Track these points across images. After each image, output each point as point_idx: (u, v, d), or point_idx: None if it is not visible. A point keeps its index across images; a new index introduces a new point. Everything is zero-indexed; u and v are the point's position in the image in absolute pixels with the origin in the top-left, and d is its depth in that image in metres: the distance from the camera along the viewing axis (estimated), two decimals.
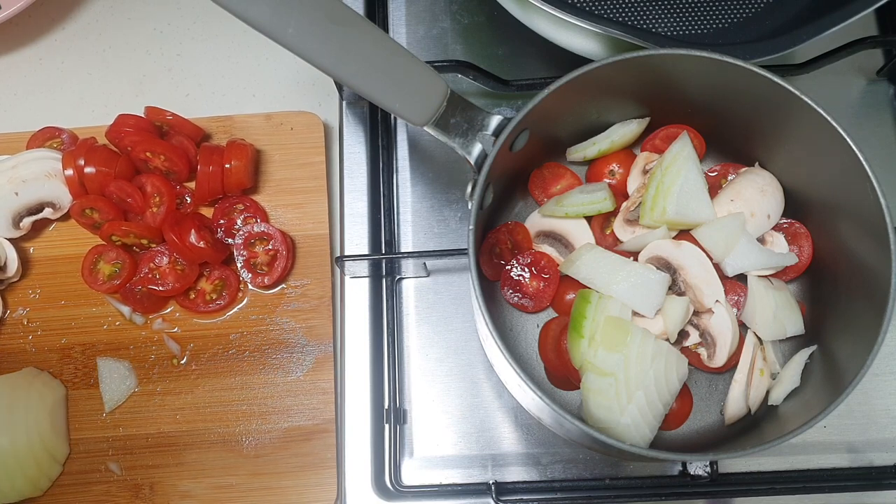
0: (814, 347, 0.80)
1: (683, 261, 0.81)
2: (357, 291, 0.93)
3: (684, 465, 0.86)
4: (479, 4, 1.04)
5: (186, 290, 0.94)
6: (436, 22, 1.04)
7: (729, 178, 0.86)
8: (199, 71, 1.06)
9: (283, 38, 0.70)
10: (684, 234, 0.83)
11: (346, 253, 0.94)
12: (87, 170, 0.93)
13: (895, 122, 0.98)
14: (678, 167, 0.80)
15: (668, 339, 0.80)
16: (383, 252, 0.94)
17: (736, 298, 0.83)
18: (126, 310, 0.94)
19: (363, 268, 0.92)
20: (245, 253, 0.94)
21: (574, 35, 0.85)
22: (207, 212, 0.98)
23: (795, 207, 0.84)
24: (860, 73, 1.00)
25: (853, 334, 0.74)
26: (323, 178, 0.99)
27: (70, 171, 0.93)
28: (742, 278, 0.83)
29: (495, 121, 0.75)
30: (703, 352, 0.82)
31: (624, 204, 0.85)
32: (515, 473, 0.88)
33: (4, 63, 1.07)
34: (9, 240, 0.95)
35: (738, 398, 0.81)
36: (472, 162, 0.75)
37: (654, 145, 0.87)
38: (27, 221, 0.95)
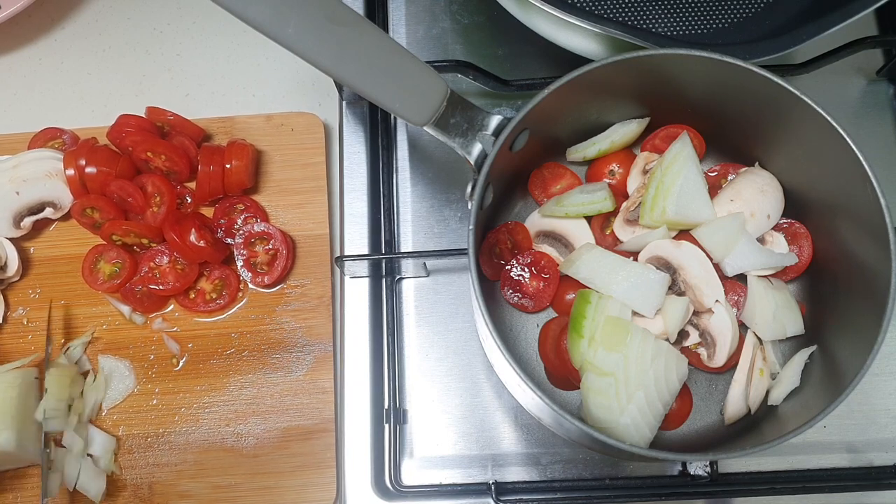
0: (814, 347, 0.80)
1: (683, 261, 0.81)
2: (357, 291, 0.93)
3: (684, 465, 0.86)
4: (479, 4, 1.04)
5: (186, 290, 0.94)
6: (436, 22, 1.04)
7: (729, 178, 0.86)
8: (199, 71, 1.07)
9: (282, 38, 0.70)
10: (684, 234, 0.83)
11: (346, 253, 0.94)
12: (88, 170, 0.93)
13: (895, 122, 0.98)
14: (678, 167, 0.80)
15: (668, 339, 0.80)
16: (383, 252, 0.94)
17: (736, 298, 0.83)
18: (126, 309, 0.94)
19: (363, 268, 0.92)
20: (245, 252, 0.94)
21: (574, 35, 0.85)
22: (208, 212, 0.98)
23: (795, 207, 0.84)
24: (860, 73, 1.00)
25: (853, 334, 0.74)
26: (323, 179, 0.99)
27: (71, 171, 0.93)
28: (742, 278, 0.83)
29: (495, 121, 0.75)
30: (702, 352, 0.82)
31: (624, 204, 0.85)
32: (515, 473, 0.88)
33: (4, 63, 1.07)
34: (9, 239, 0.95)
35: (737, 398, 0.81)
36: (472, 162, 0.75)
37: (654, 145, 0.87)
38: (28, 221, 0.95)
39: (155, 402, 0.92)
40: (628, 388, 0.74)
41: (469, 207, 0.71)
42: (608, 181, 0.88)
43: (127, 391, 0.92)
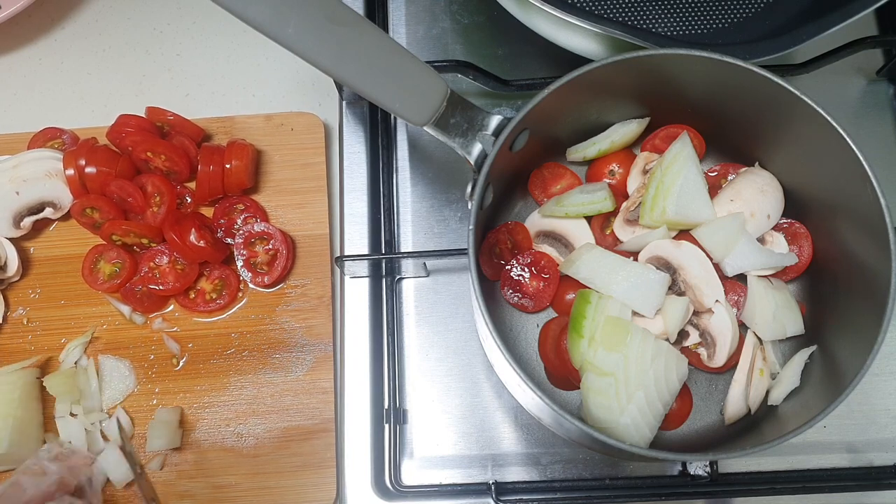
0: (814, 347, 0.80)
1: (683, 261, 0.81)
2: (357, 291, 0.93)
3: (684, 465, 0.86)
4: (479, 4, 1.04)
5: (186, 290, 0.94)
6: (436, 22, 1.04)
7: (729, 178, 0.86)
8: (199, 71, 1.07)
9: (282, 38, 0.70)
10: (684, 234, 0.83)
11: (346, 253, 0.94)
12: (88, 170, 0.93)
13: (895, 122, 0.98)
14: (678, 167, 0.80)
15: (668, 339, 0.80)
16: (383, 252, 0.94)
17: (736, 298, 0.83)
18: (126, 309, 0.94)
19: (363, 268, 0.92)
20: (245, 252, 0.94)
21: (574, 35, 0.85)
22: (208, 212, 0.98)
23: (795, 207, 0.84)
24: (860, 73, 1.00)
25: (853, 334, 0.74)
26: (323, 179, 0.99)
27: (71, 171, 0.93)
28: (742, 278, 0.83)
29: (495, 121, 0.75)
30: (703, 352, 0.82)
31: (624, 204, 0.85)
32: (515, 473, 0.88)
33: (4, 63, 1.07)
34: (9, 239, 0.95)
35: (737, 398, 0.81)
36: (472, 162, 0.75)
37: (654, 145, 0.87)
38: (28, 221, 0.95)
39: (155, 402, 0.92)
40: (628, 388, 0.74)
41: (469, 207, 0.71)
42: (608, 181, 0.88)
43: (127, 391, 0.92)
